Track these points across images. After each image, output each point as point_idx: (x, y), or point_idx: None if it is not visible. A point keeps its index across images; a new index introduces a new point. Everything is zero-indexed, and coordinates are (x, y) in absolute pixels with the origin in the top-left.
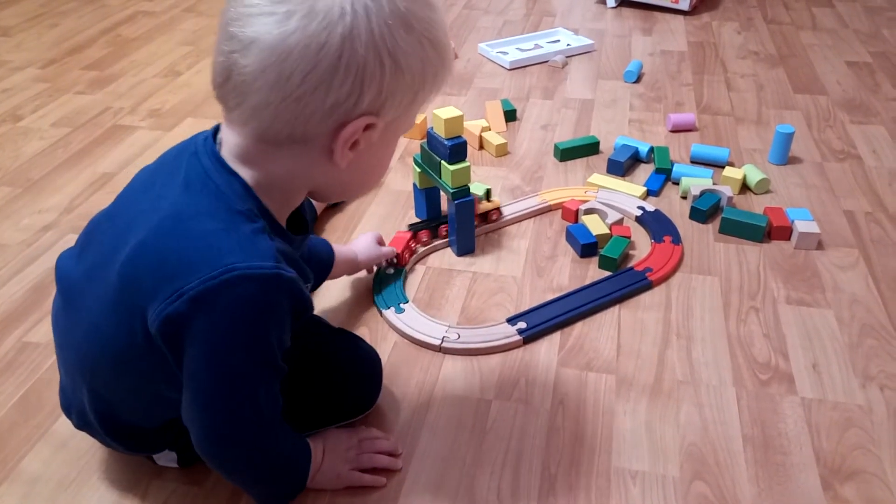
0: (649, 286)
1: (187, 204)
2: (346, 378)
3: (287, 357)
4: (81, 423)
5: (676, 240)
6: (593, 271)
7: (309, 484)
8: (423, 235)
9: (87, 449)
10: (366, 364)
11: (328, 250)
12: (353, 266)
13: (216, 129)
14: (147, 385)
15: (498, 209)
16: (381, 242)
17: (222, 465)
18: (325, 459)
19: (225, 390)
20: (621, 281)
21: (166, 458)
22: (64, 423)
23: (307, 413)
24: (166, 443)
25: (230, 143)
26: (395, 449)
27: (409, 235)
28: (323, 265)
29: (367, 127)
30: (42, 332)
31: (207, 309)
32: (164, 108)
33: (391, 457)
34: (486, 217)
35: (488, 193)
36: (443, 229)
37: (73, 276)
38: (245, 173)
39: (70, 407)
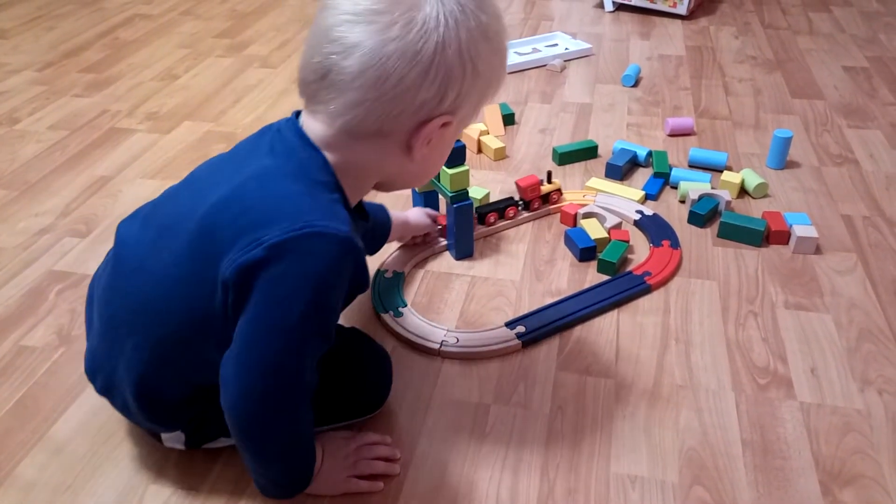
0: (648, 290)
1: (273, 167)
2: (357, 376)
3: None
4: (105, 387)
5: (675, 244)
6: (592, 275)
7: (307, 489)
8: (491, 217)
9: (83, 454)
10: (376, 363)
11: (385, 213)
12: (405, 229)
13: (297, 114)
14: (198, 342)
15: (559, 191)
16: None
17: (246, 429)
18: (324, 464)
19: (277, 343)
20: (620, 285)
21: (175, 440)
22: (60, 429)
23: (316, 411)
24: (182, 421)
25: (313, 130)
26: (393, 454)
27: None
28: (383, 227)
29: (444, 125)
30: (38, 335)
31: (283, 257)
32: (161, 111)
33: (389, 462)
34: (547, 198)
35: (549, 176)
36: (510, 211)
37: (140, 236)
38: (325, 155)
39: (96, 371)
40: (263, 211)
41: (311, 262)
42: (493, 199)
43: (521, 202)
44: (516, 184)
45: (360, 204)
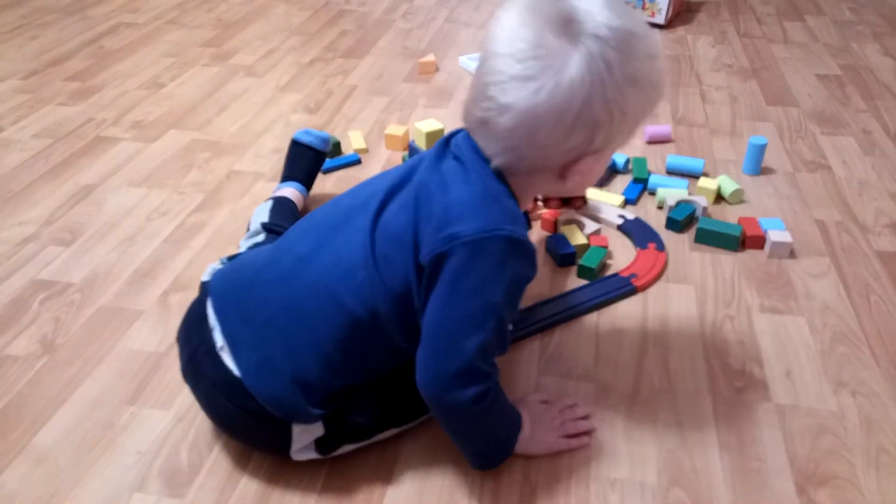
0: (634, 291)
1: (469, 171)
2: None
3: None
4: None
5: (660, 246)
6: (572, 281)
7: (521, 451)
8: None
9: (66, 464)
10: None
11: None
12: None
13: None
14: (387, 327)
15: (583, 198)
16: None
17: (436, 409)
18: (535, 429)
19: (457, 328)
20: (606, 286)
21: (307, 449)
22: (43, 438)
23: (393, 410)
24: (325, 410)
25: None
26: (587, 412)
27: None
28: None
29: (595, 158)
30: (21, 345)
31: (472, 253)
32: (146, 119)
33: (587, 420)
34: (568, 200)
35: None
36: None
37: (315, 240)
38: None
39: (273, 373)
40: (461, 212)
41: (499, 257)
42: None
43: (540, 198)
44: None
45: None
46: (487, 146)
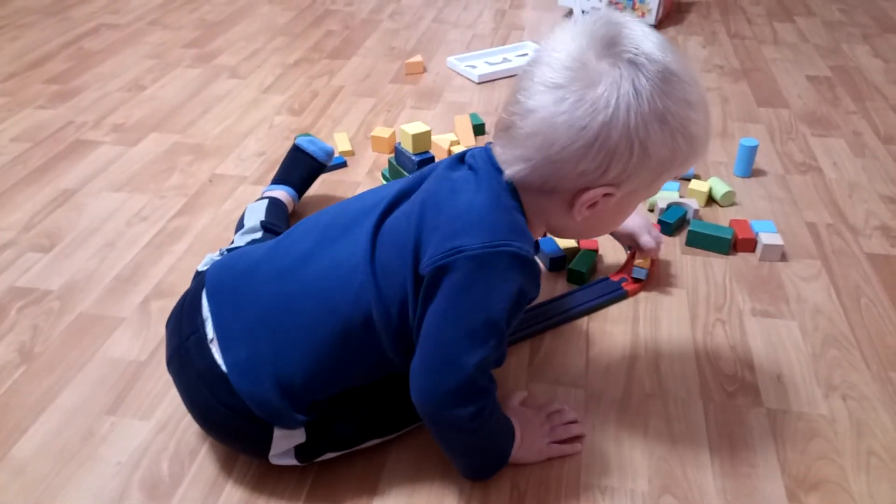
0: (624, 296)
1: (480, 184)
2: None
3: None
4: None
5: None
6: (562, 285)
7: (513, 459)
8: None
9: (45, 474)
10: None
11: None
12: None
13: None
14: (379, 336)
15: (654, 260)
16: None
17: (428, 421)
18: (525, 437)
19: (452, 342)
20: (596, 291)
21: (286, 454)
22: (22, 448)
23: (395, 414)
24: (307, 415)
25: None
26: (575, 417)
27: None
28: None
29: (606, 194)
30: None
31: (478, 267)
32: (128, 122)
33: (577, 424)
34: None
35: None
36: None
37: (313, 235)
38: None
39: (258, 372)
40: (469, 223)
41: (499, 279)
42: None
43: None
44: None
45: None
46: (504, 153)
